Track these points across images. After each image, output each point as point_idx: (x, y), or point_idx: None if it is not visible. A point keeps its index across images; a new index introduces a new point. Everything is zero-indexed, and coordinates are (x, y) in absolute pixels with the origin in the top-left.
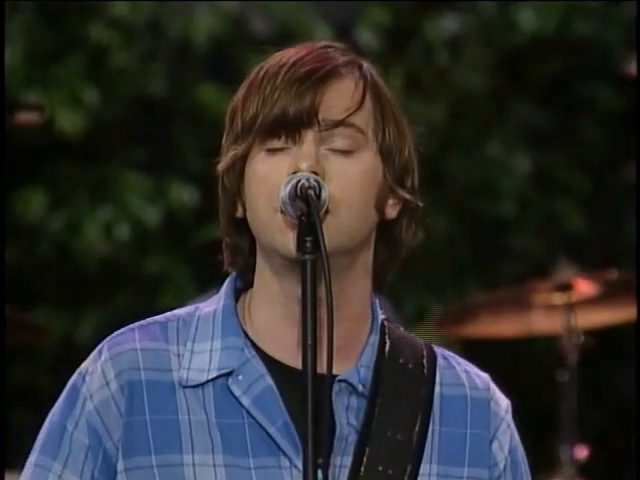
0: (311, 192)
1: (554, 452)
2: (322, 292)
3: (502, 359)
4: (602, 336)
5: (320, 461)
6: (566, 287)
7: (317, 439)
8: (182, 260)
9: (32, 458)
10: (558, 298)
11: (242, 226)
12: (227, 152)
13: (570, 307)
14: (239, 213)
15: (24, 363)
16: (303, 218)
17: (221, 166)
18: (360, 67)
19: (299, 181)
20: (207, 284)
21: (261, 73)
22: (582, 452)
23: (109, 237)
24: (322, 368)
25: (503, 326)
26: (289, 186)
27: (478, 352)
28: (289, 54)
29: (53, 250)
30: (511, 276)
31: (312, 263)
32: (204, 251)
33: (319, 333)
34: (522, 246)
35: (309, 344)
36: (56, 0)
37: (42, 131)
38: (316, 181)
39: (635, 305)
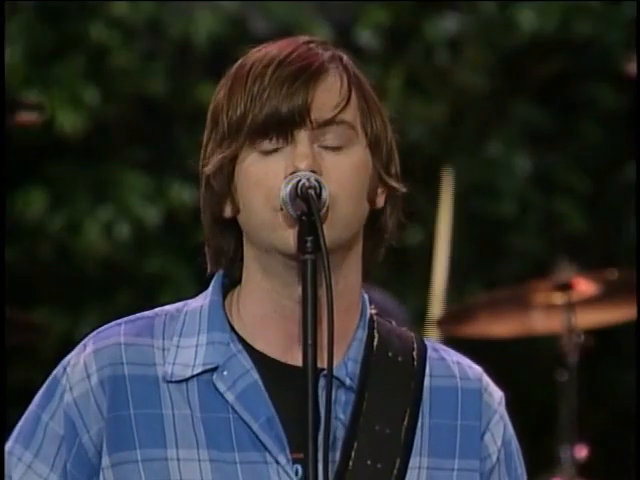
0: (312, 192)
1: (554, 452)
2: (320, 291)
3: (502, 359)
4: (602, 336)
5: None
6: (566, 287)
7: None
8: (182, 260)
9: (7, 445)
10: (558, 298)
11: (227, 227)
12: (213, 153)
13: (570, 307)
14: (226, 213)
15: (24, 363)
16: (304, 218)
17: (208, 169)
18: (341, 60)
19: (299, 181)
20: (207, 284)
21: (244, 71)
22: (581, 452)
23: (109, 237)
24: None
25: (503, 326)
26: (289, 186)
27: (478, 352)
28: (272, 51)
29: (53, 250)
30: (511, 276)
31: (313, 263)
32: (204, 251)
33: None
34: (522, 246)
35: (309, 343)
36: (56, 0)
37: (42, 131)
38: (316, 180)
39: (635, 305)
